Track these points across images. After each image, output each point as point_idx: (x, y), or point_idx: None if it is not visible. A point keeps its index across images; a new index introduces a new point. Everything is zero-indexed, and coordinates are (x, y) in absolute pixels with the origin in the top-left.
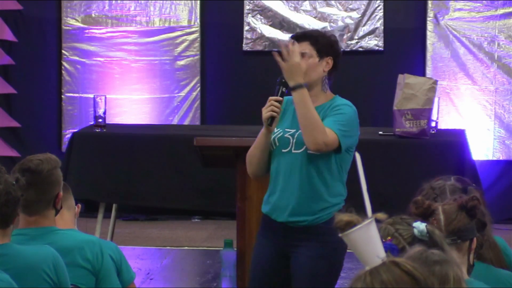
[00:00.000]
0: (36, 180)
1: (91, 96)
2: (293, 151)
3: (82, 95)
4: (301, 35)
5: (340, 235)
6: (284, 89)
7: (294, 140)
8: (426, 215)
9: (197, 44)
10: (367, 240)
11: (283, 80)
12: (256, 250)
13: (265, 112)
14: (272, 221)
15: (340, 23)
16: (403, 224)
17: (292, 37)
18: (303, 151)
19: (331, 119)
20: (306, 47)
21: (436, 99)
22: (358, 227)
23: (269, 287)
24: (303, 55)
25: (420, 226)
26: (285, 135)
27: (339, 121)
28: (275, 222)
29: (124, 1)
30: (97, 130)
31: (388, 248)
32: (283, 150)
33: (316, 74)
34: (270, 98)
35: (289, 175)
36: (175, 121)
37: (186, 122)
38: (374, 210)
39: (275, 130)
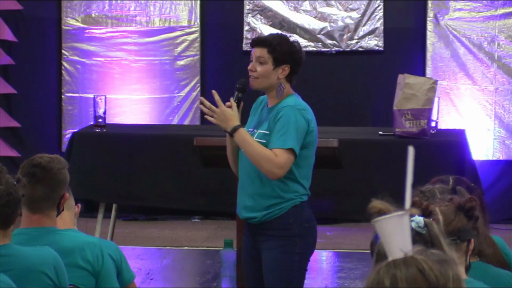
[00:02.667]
0: (45, 176)
1: (91, 96)
2: None
3: (82, 95)
4: (261, 41)
5: (371, 221)
6: (240, 95)
7: None
8: (424, 216)
9: (197, 44)
10: (396, 231)
11: (239, 86)
12: (241, 260)
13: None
14: (243, 221)
15: (340, 23)
16: None
17: (252, 42)
18: None
19: (273, 136)
20: (264, 53)
21: (436, 99)
22: (389, 216)
23: (258, 282)
24: (259, 60)
25: (417, 218)
26: None
27: (279, 132)
28: (243, 221)
29: (124, 1)
30: (97, 130)
31: None
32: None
33: (270, 81)
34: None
35: (244, 174)
36: (175, 121)
37: (186, 122)
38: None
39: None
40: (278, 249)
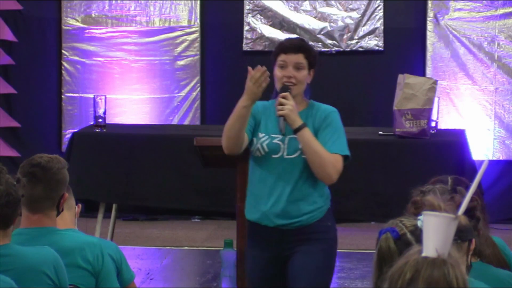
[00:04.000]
0: (45, 175)
1: (91, 96)
2: (285, 156)
3: (82, 95)
4: (298, 47)
5: (423, 212)
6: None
7: (286, 145)
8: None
9: (197, 44)
10: (440, 231)
11: (284, 88)
12: (250, 264)
13: (281, 110)
14: (263, 228)
15: (340, 23)
16: (408, 217)
17: (285, 48)
18: (297, 156)
19: (328, 141)
20: (302, 59)
21: (436, 99)
22: (440, 215)
23: None
24: (297, 66)
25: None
26: (274, 141)
27: (334, 136)
28: (266, 228)
29: (124, 1)
30: (97, 130)
31: (388, 230)
32: (273, 156)
33: (303, 86)
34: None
35: (280, 180)
36: (175, 121)
37: (186, 122)
38: (372, 210)
39: (260, 135)
40: (319, 253)
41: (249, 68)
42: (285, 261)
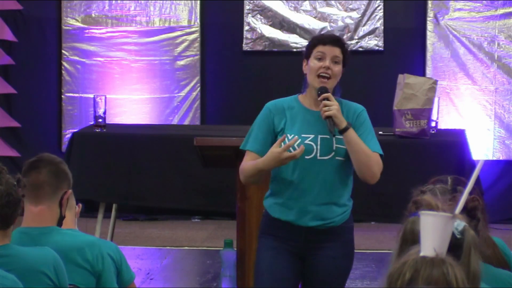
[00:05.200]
0: (49, 162)
1: (91, 96)
2: (318, 157)
3: (82, 95)
4: (336, 40)
5: (420, 212)
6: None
7: (318, 146)
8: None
9: (197, 44)
10: (437, 230)
11: (322, 90)
12: (269, 261)
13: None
14: (294, 227)
15: (340, 23)
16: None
17: (324, 39)
18: (331, 158)
19: (365, 140)
20: (339, 53)
21: (436, 99)
22: (437, 214)
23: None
24: (334, 59)
25: (458, 221)
26: (306, 142)
27: (369, 135)
28: (297, 227)
29: (124, 1)
30: (97, 130)
31: (417, 215)
32: (306, 157)
33: (337, 82)
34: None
35: (314, 181)
36: (175, 121)
37: (186, 122)
38: (373, 210)
39: (289, 136)
40: (344, 258)
41: (285, 137)
42: (303, 259)
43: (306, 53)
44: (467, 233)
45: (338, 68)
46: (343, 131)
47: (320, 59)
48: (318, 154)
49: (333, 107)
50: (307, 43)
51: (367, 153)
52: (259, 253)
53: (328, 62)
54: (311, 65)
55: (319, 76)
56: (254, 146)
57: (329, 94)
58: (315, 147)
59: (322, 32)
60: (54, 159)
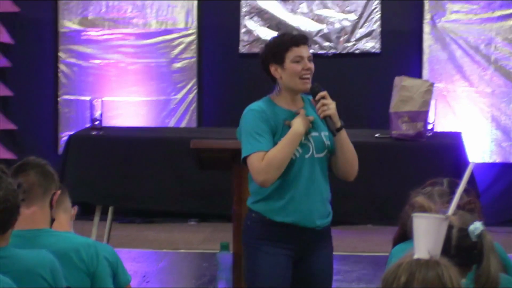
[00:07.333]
0: (36, 164)
1: (88, 98)
2: (315, 155)
3: (78, 97)
4: (307, 39)
5: (413, 215)
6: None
7: (313, 144)
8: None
9: (193, 47)
10: (431, 232)
11: (317, 87)
12: (269, 262)
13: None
14: (295, 228)
15: (337, 25)
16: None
17: (298, 39)
18: (324, 156)
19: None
20: (309, 50)
21: (432, 102)
22: (430, 216)
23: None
24: (310, 58)
25: (477, 224)
26: (303, 141)
27: None
28: (299, 229)
29: (121, 4)
30: (93, 133)
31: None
32: (306, 156)
33: None
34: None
35: (312, 180)
36: (171, 124)
37: (183, 125)
38: (369, 212)
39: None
40: (331, 257)
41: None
42: (299, 260)
43: (276, 58)
44: (485, 238)
45: (312, 65)
46: (338, 130)
47: (299, 62)
48: (315, 153)
49: (332, 106)
50: (270, 46)
51: (354, 152)
52: (258, 260)
53: (307, 63)
54: (291, 69)
55: (301, 78)
56: (269, 146)
57: (325, 93)
58: (311, 145)
59: (283, 33)
60: (40, 161)
